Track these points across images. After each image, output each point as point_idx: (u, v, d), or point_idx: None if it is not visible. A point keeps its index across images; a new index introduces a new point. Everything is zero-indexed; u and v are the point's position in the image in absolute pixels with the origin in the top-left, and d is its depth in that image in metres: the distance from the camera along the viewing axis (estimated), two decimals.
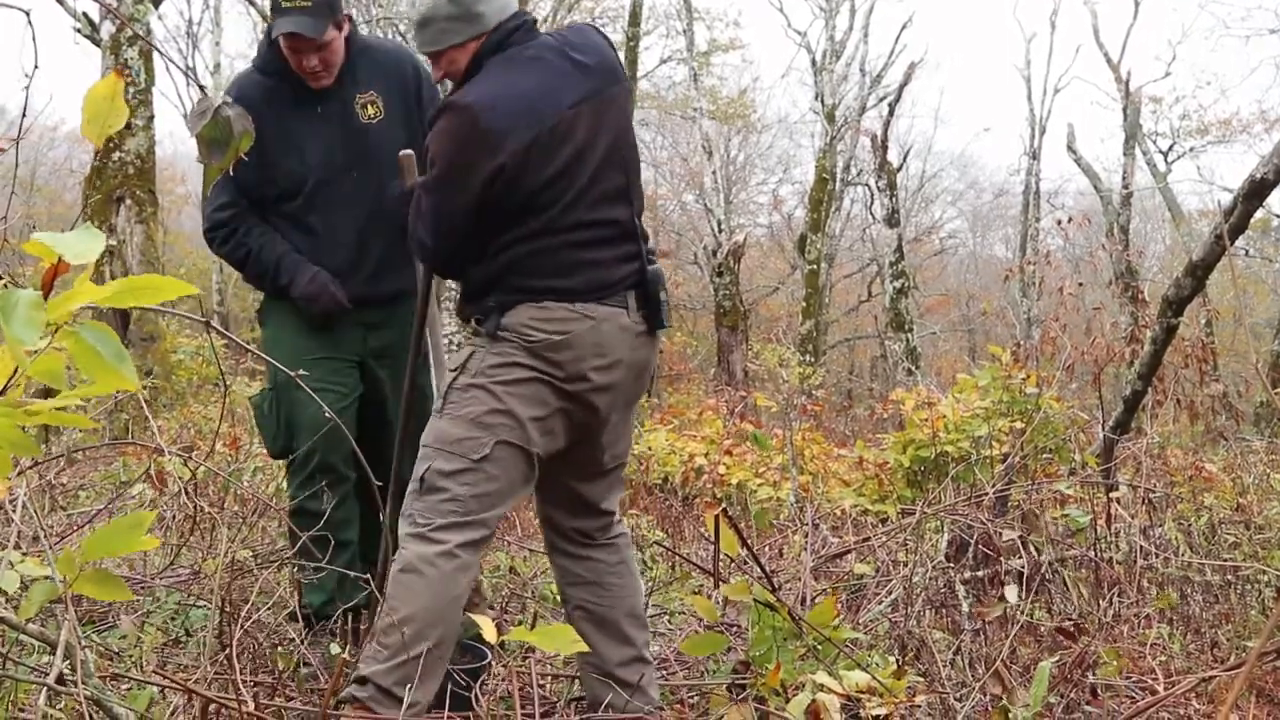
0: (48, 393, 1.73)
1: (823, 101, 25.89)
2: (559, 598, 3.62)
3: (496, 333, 3.24)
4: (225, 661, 3.06)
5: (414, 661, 3.07)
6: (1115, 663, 3.88)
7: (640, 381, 3.45)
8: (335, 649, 3.97)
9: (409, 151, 3.74)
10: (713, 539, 4.45)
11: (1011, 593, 4.22)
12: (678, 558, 5.61)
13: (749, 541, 4.13)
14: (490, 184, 3.20)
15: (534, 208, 3.25)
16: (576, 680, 3.88)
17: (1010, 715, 3.41)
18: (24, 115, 2.29)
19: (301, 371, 3.00)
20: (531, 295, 3.25)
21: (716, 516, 4.35)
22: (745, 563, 4.81)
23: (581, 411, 3.34)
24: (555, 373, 3.24)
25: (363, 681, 3.09)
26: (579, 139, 3.29)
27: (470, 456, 3.20)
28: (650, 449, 10.42)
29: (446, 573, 3.16)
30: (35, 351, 1.51)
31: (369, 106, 4.16)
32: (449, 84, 3.52)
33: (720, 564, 4.68)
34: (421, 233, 3.33)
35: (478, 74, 3.31)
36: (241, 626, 3.26)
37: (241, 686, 2.83)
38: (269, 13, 3.98)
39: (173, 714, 3.01)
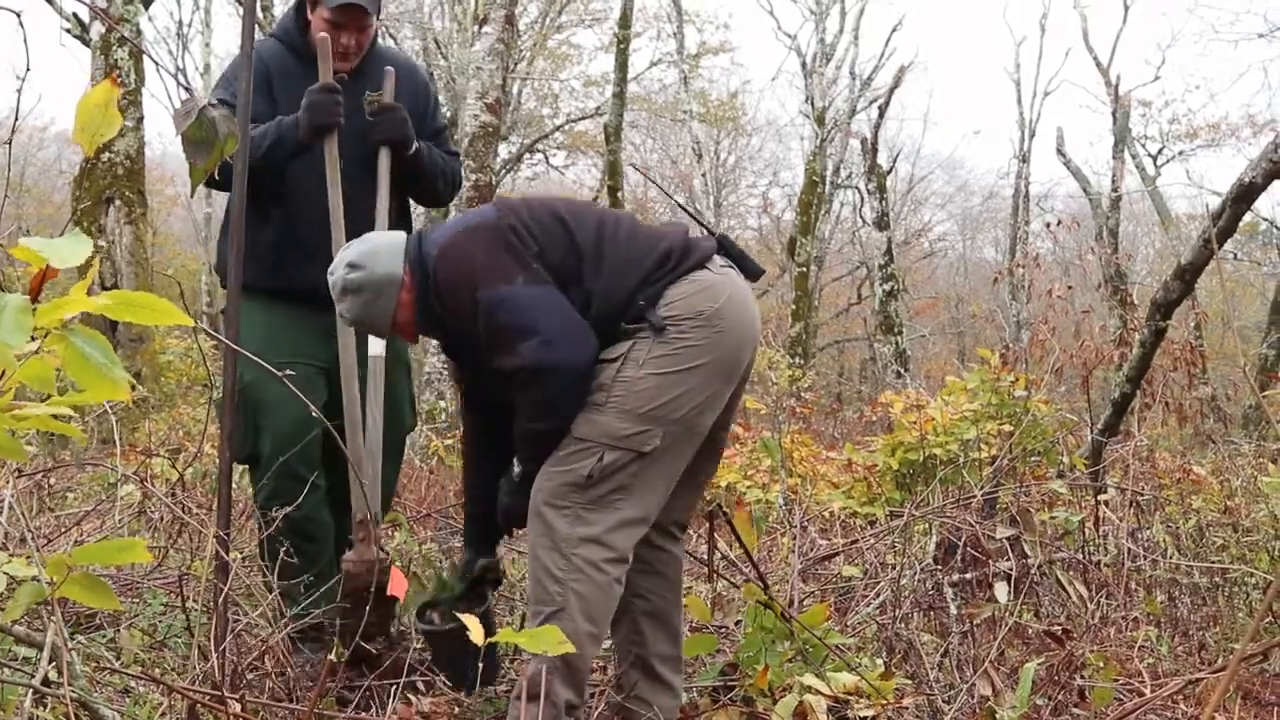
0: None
1: (813, 104, 25.88)
2: None
3: (662, 326, 3.19)
4: (217, 662, 3.06)
5: (581, 670, 3.18)
6: (1104, 667, 3.90)
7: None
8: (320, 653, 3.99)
9: (391, 69, 4.14)
10: (708, 537, 4.46)
11: (1001, 591, 4.22)
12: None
13: (744, 542, 4.13)
14: (520, 240, 3.23)
15: (574, 228, 3.29)
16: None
17: (997, 716, 3.42)
18: (16, 118, 2.29)
19: (289, 372, 2.97)
20: (666, 274, 3.25)
21: (711, 513, 4.37)
22: (733, 564, 4.82)
23: (734, 378, 3.35)
24: (720, 341, 3.23)
25: (535, 697, 3.10)
26: (539, 200, 3.43)
27: (640, 449, 3.19)
28: None
29: (616, 578, 3.22)
30: (23, 356, 1.51)
31: (371, 104, 4.18)
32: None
33: (713, 563, 4.68)
34: (526, 340, 3.13)
35: (425, 261, 3.34)
36: (231, 630, 3.26)
37: (226, 688, 2.83)
38: None
39: (160, 716, 3.01)
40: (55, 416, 1.78)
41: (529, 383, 3.15)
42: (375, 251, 3.35)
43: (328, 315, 4.02)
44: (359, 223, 3.99)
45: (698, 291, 3.24)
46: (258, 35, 3.82)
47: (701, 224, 3.52)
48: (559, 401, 3.18)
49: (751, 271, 3.46)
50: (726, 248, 3.44)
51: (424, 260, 3.32)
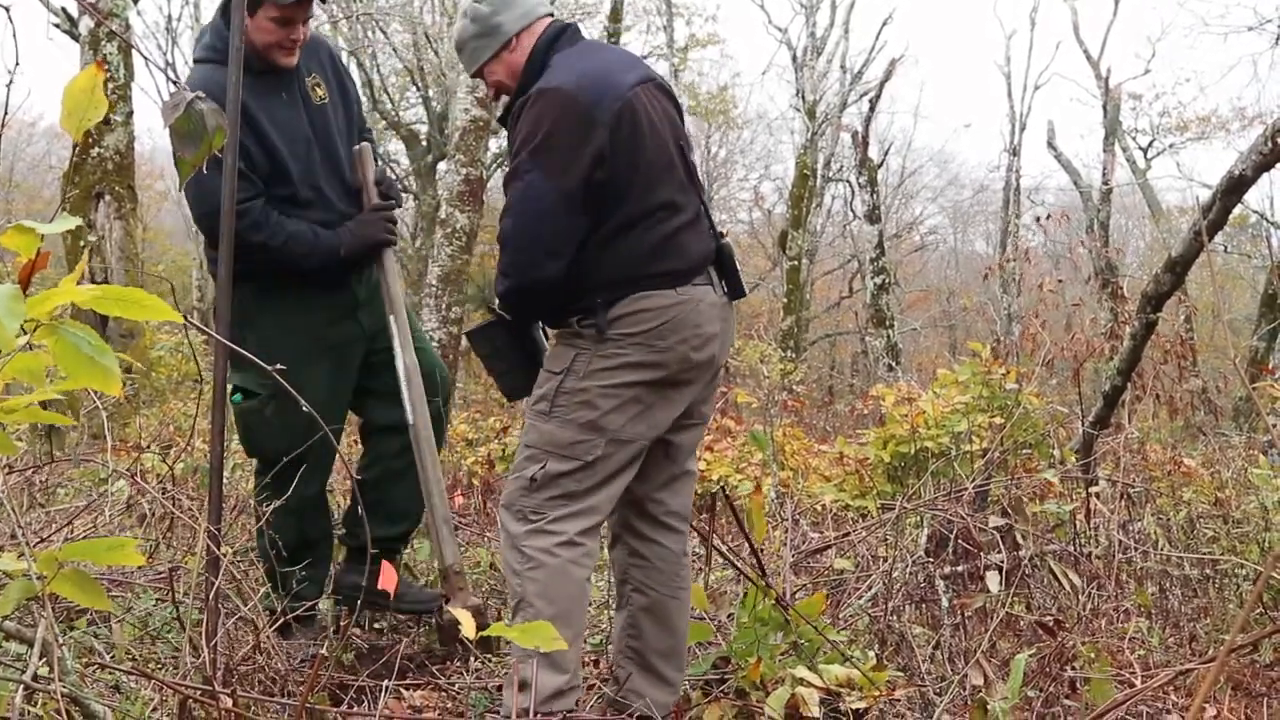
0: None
1: (803, 98, 25.89)
2: (614, 574, 3.67)
3: (606, 332, 3.28)
4: (208, 657, 3.05)
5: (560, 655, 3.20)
6: (1096, 659, 3.90)
7: (726, 347, 3.54)
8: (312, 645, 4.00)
9: (365, 145, 4.27)
10: (709, 526, 4.47)
11: (993, 581, 4.23)
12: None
13: (753, 529, 4.13)
14: (597, 165, 3.24)
15: (627, 192, 3.30)
16: None
17: (989, 709, 3.43)
18: (5, 113, 2.29)
19: (279, 366, 2.96)
20: (636, 285, 3.30)
21: (714, 496, 4.38)
22: (726, 555, 4.82)
23: (684, 390, 3.41)
24: (661, 361, 3.30)
25: (524, 686, 3.20)
26: (650, 116, 3.38)
27: (584, 458, 3.30)
28: None
29: (570, 560, 3.29)
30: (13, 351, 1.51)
31: (317, 88, 4.24)
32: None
33: (712, 551, 4.69)
34: (508, 220, 3.29)
35: (544, 71, 3.38)
36: (222, 623, 3.26)
37: (218, 682, 2.82)
38: None
39: (152, 711, 3.01)
40: (44, 405, 1.77)
41: (501, 242, 3.34)
42: (510, 1, 3.48)
43: (355, 285, 4.25)
44: (348, 194, 4.25)
45: (650, 309, 3.30)
46: (201, 68, 3.90)
47: (711, 228, 3.52)
48: (503, 280, 3.35)
49: (735, 289, 3.53)
50: (721, 261, 3.50)
51: (542, 62, 3.41)
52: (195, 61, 4.15)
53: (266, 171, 4.04)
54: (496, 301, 3.49)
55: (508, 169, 3.33)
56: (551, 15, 3.54)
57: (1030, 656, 3.80)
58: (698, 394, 3.49)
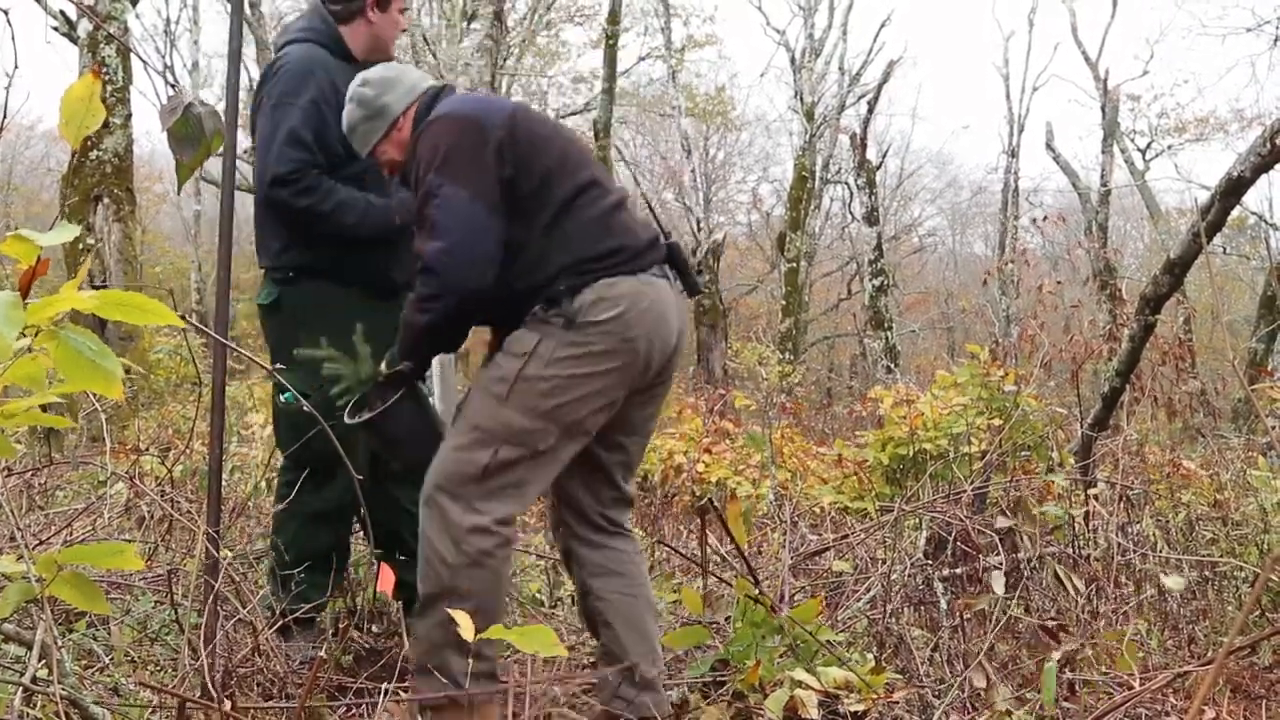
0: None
1: (801, 100, 25.91)
2: (576, 591, 3.66)
3: (573, 320, 3.24)
4: (206, 661, 3.05)
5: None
6: (1100, 662, 3.90)
7: (682, 346, 3.52)
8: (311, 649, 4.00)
9: None
10: (700, 533, 4.46)
11: (998, 582, 4.22)
12: (659, 551, 5.60)
13: (735, 537, 4.14)
14: (500, 160, 3.27)
15: (549, 179, 3.32)
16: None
17: (1013, 715, 3.43)
18: (4, 116, 2.28)
19: (278, 366, 2.96)
20: (595, 266, 3.28)
21: (703, 507, 4.38)
22: (724, 560, 4.82)
23: (642, 383, 3.41)
24: (628, 348, 3.28)
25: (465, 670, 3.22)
26: (544, 121, 3.51)
27: (536, 447, 3.27)
28: None
29: (505, 559, 3.30)
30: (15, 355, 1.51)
31: None
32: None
33: (705, 558, 4.69)
34: (435, 241, 3.24)
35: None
36: (221, 626, 3.26)
37: (217, 687, 2.82)
38: None
39: (150, 713, 3.00)
40: (44, 408, 1.77)
41: (421, 275, 3.26)
42: (393, 82, 3.56)
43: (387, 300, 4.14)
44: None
45: (618, 296, 3.27)
46: (304, 46, 3.93)
47: (659, 226, 3.54)
48: (433, 305, 3.27)
49: (691, 287, 3.53)
50: (674, 257, 3.49)
51: (424, 118, 3.45)
52: (289, 43, 4.18)
53: (337, 152, 4.03)
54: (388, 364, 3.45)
55: (417, 200, 3.32)
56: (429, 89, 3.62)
57: (1030, 661, 3.80)
58: (649, 394, 3.50)
